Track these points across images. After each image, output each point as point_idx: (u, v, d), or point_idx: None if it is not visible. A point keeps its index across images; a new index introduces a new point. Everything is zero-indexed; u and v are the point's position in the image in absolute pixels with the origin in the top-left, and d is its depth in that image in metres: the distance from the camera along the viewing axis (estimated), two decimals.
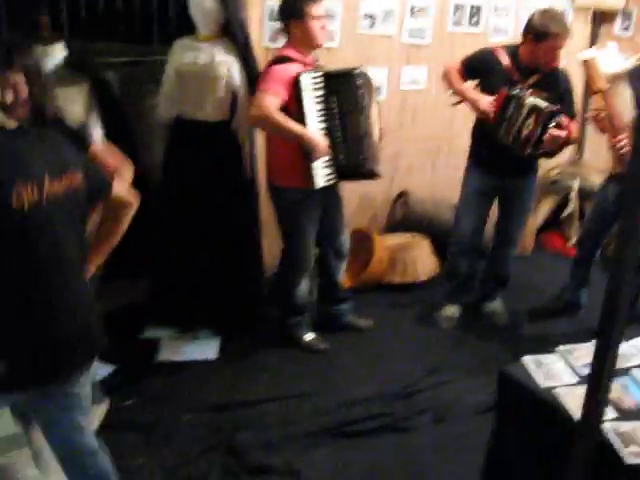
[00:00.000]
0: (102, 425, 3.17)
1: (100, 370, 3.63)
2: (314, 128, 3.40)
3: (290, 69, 3.38)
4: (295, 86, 3.35)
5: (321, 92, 3.42)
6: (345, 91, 3.43)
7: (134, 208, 2.30)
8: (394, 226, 5.14)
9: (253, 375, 3.64)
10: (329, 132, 3.46)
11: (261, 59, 3.90)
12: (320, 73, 3.42)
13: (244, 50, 3.76)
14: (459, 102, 3.90)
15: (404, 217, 5.08)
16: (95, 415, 3.17)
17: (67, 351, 2.02)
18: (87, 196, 2.04)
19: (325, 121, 3.46)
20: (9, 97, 2.07)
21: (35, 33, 3.32)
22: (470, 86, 3.89)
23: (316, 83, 3.40)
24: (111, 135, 3.53)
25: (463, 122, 4.16)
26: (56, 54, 3.38)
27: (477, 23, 5.05)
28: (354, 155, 3.49)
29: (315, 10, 3.42)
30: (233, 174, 3.88)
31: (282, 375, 3.68)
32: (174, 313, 4.00)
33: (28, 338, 1.94)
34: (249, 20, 3.94)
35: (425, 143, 5.22)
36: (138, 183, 3.80)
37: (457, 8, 4.94)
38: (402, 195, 5.19)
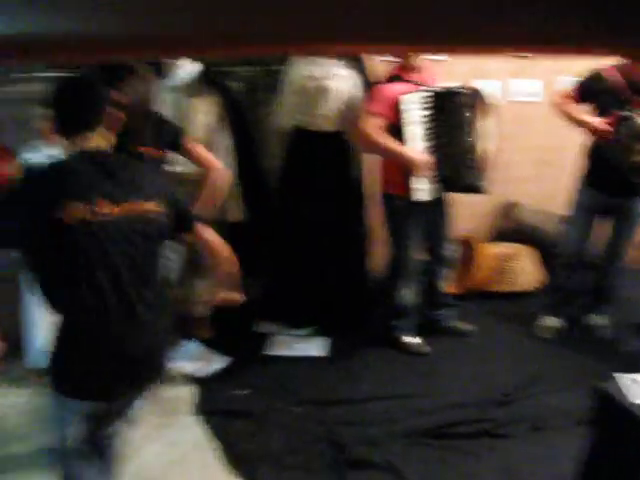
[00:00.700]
0: (215, 411, 3.43)
1: (216, 360, 3.92)
2: (416, 146, 3.54)
3: (395, 89, 3.53)
4: (398, 106, 3.50)
5: (425, 111, 3.55)
6: (449, 109, 3.55)
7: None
8: (501, 235, 5.20)
9: (358, 374, 3.79)
10: (433, 149, 3.59)
11: (378, 72, 4.06)
12: (424, 93, 3.55)
13: (359, 64, 3.94)
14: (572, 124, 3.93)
15: (511, 227, 5.14)
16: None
17: (127, 372, 2.15)
18: (166, 224, 2.18)
19: (429, 138, 3.59)
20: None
21: None
22: (584, 109, 3.90)
23: (419, 103, 3.53)
24: (235, 142, 3.81)
25: (573, 134, 4.18)
26: (190, 67, 3.66)
27: None
28: (457, 171, 3.61)
29: None
30: (344, 181, 4.08)
31: (386, 375, 3.82)
32: (286, 310, 4.23)
33: (90, 351, 2.08)
34: None
35: (535, 154, 5.24)
36: (256, 187, 4.09)
37: None
38: (510, 205, 5.25)
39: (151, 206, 2.12)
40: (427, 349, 4.06)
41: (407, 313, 4.07)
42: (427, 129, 3.59)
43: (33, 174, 2.13)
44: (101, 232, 2.02)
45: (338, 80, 3.85)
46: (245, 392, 3.54)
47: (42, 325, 3.71)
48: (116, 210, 2.04)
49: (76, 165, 2.07)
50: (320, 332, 4.20)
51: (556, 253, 4.26)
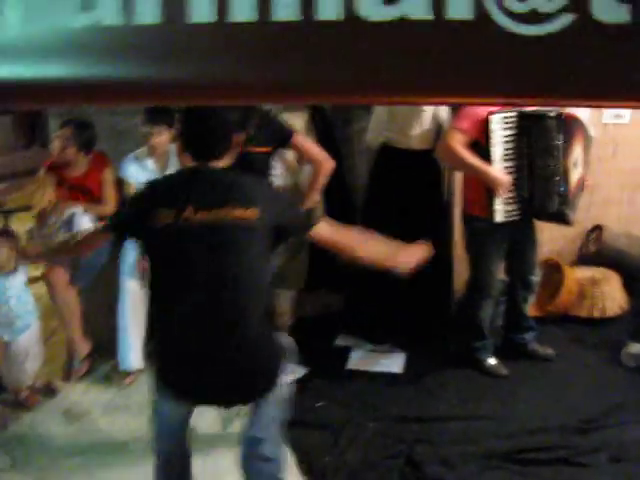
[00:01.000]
0: (293, 422, 3.48)
1: (295, 371, 3.98)
2: (499, 166, 3.53)
3: (484, 106, 3.52)
4: (485, 124, 3.50)
5: (511, 131, 3.53)
6: (536, 132, 3.51)
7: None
8: (585, 259, 5.11)
9: (435, 392, 3.80)
10: (516, 170, 3.57)
11: None
12: (512, 113, 3.53)
13: None
14: None
15: (597, 251, 5.03)
16: None
17: (210, 380, 2.24)
18: (263, 232, 2.23)
19: (513, 159, 3.57)
20: None
21: None
22: None
23: (507, 123, 3.51)
24: None
25: None
26: None
27: None
28: (540, 195, 3.57)
29: None
30: (431, 200, 4.10)
31: (463, 395, 3.81)
32: (366, 325, 4.26)
33: (172, 354, 2.28)
34: None
35: (624, 177, 5.13)
36: (342, 202, 4.15)
37: None
38: (596, 228, 5.15)
39: (246, 213, 2.19)
40: (505, 371, 4.02)
41: (486, 334, 4.05)
42: (513, 150, 3.57)
43: (147, 185, 2.36)
44: (189, 236, 2.17)
45: None
46: (321, 404, 3.57)
47: (134, 328, 3.87)
48: (206, 215, 2.15)
49: (177, 177, 2.33)
50: (400, 348, 4.21)
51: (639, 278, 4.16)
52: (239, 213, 2.17)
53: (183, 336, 2.22)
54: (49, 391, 3.89)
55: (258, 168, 3.25)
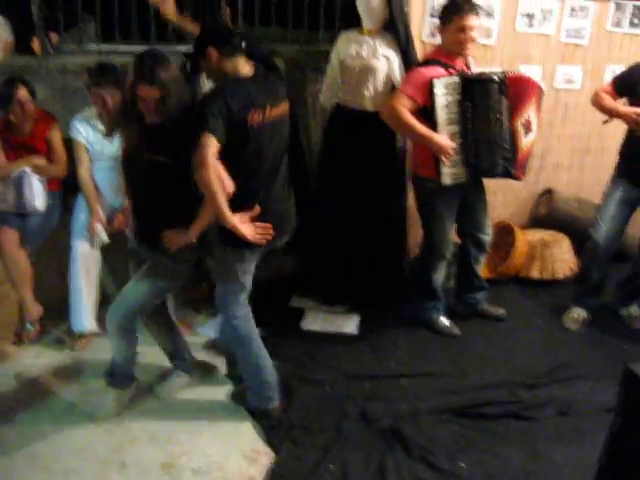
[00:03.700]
0: None
1: None
2: (444, 130, 3.55)
3: (431, 72, 3.53)
4: (430, 89, 3.50)
5: (455, 97, 3.54)
6: (479, 96, 3.53)
7: None
8: (537, 222, 5.19)
9: (388, 352, 3.84)
10: (461, 135, 3.59)
11: (419, 53, 4.08)
12: (455, 79, 3.53)
13: (405, 45, 3.95)
14: (610, 120, 3.94)
15: (547, 214, 5.11)
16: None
17: (282, 222, 3.01)
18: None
19: (458, 124, 3.58)
20: None
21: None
22: (621, 102, 3.90)
23: (450, 88, 3.52)
24: None
25: (615, 124, 4.15)
26: None
27: (639, 24, 4.97)
28: (486, 159, 3.61)
29: (462, 21, 3.51)
30: (385, 162, 4.11)
31: (415, 354, 3.86)
32: (320, 287, 4.28)
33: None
34: (410, 15, 4.13)
35: (574, 142, 5.22)
36: (295, 164, 4.14)
37: (618, 8, 4.88)
38: (547, 192, 5.23)
39: (285, 106, 2.90)
40: (457, 331, 4.09)
41: (439, 295, 4.11)
42: (457, 114, 3.58)
43: (230, 89, 2.71)
44: (268, 131, 2.76)
45: (384, 60, 3.87)
46: (277, 363, 3.58)
47: (87, 290, 3.83)
48: (274, 112, 2.77)
49: (254, 79, 2.77)
50: (354, 310, 4.24)
51: (585, 245, 4.23)
52: (284, 106, 2.88)
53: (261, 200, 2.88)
54: None
55: None
